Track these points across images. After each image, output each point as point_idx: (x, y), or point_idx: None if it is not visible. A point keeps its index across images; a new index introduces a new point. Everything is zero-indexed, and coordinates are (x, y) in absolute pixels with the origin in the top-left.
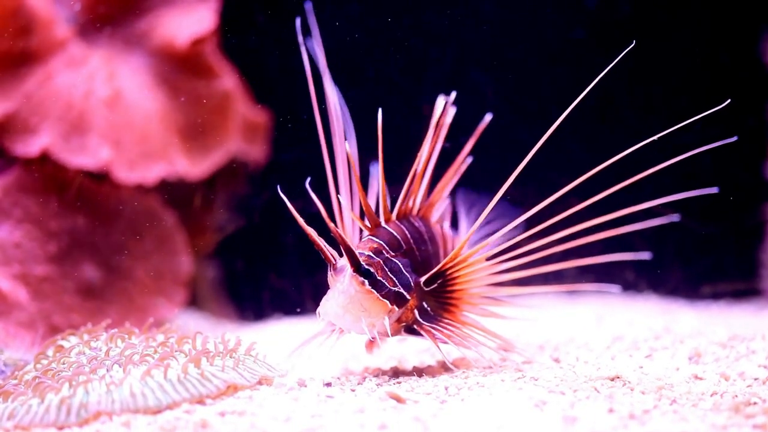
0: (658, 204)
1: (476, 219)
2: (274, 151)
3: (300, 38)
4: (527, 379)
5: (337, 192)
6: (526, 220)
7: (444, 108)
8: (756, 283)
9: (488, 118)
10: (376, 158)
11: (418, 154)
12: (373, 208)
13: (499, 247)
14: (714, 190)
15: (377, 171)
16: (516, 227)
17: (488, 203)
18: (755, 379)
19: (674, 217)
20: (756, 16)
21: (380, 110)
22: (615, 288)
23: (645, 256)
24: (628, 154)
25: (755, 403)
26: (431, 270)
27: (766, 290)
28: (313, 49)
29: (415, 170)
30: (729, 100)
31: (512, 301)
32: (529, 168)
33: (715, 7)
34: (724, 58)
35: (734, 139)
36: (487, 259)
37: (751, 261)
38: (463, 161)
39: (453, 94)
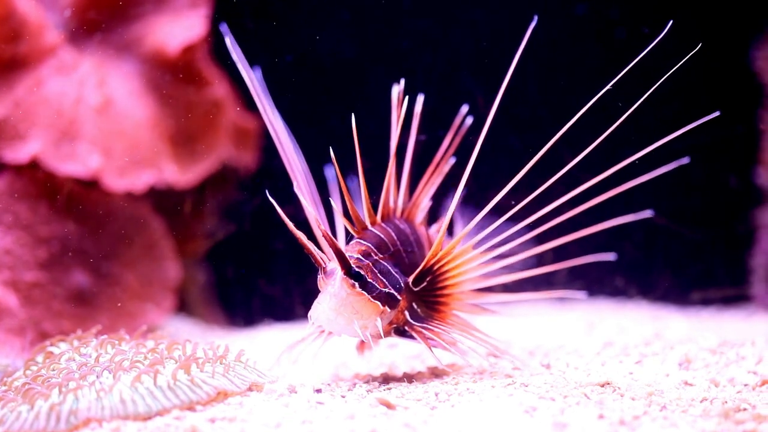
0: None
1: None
2: (264, 157)
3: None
4: (517, 385)
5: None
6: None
7: (405, 96)
8: (746, 289)
9: (464, 109)
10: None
11: (392, 151)
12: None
13: (481, 234)
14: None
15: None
16: (492, 216)
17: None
18: (745, 385)
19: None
20: (747, 24)
21: (353, 116)
22: (612, 256)
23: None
24: (619, 158)
25: (745, 409)
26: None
27: (755, 296)
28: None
29: (391, 166)
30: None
31: (503, 295)
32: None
33: (706, 15)
34: (715, 65)
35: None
36: (474, 248)
37: (742, 267)
38: (444, 160)
39: (402, 82)
